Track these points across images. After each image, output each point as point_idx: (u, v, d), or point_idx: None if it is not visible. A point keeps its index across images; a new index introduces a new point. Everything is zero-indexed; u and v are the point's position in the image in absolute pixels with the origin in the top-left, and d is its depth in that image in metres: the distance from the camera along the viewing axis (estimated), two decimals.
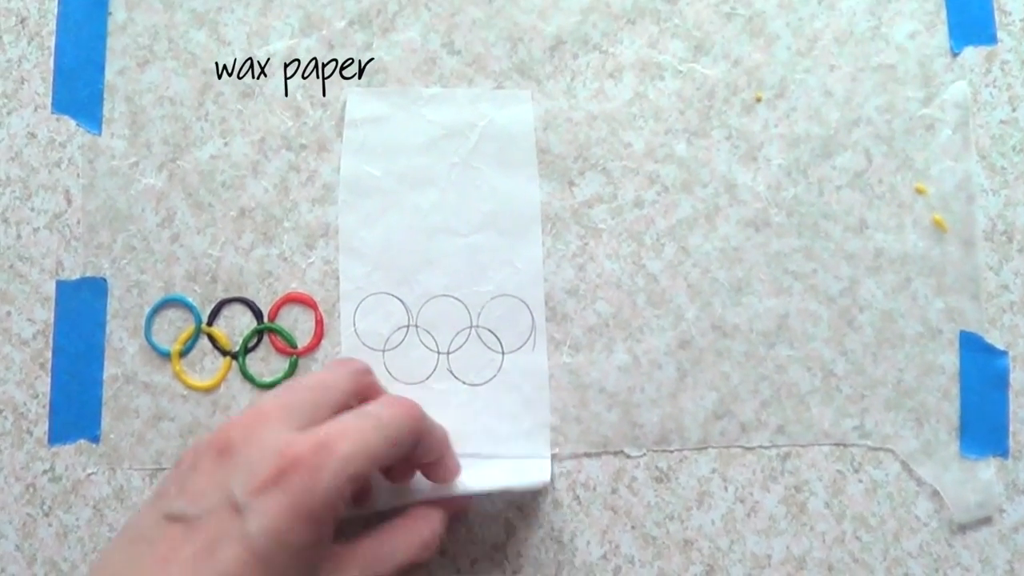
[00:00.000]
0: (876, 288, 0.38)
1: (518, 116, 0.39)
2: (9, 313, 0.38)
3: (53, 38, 0.40)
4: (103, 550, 0.36)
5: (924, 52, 0.39)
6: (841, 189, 0.38)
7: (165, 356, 0.38)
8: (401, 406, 0.31)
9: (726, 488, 0.37)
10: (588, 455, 0.37)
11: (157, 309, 0.38)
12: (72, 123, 0.39)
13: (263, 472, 0.27)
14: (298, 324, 0.38)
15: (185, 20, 0.40)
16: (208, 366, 0.38)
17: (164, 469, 0.38)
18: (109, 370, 0.38)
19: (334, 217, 0.39)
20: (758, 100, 0.39)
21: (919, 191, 0.38)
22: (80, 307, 0.38)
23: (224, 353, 0.38)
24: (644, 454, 0.37)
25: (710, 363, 0.38)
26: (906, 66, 0.39)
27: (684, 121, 0.39)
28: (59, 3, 0.40)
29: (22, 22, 0.40)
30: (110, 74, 0.40)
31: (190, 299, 0.38)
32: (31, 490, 0.38)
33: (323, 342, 0.38)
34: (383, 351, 0.38)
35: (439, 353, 0.38)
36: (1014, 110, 0.39)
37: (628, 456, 0.37)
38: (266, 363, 0.38)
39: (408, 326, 0.38)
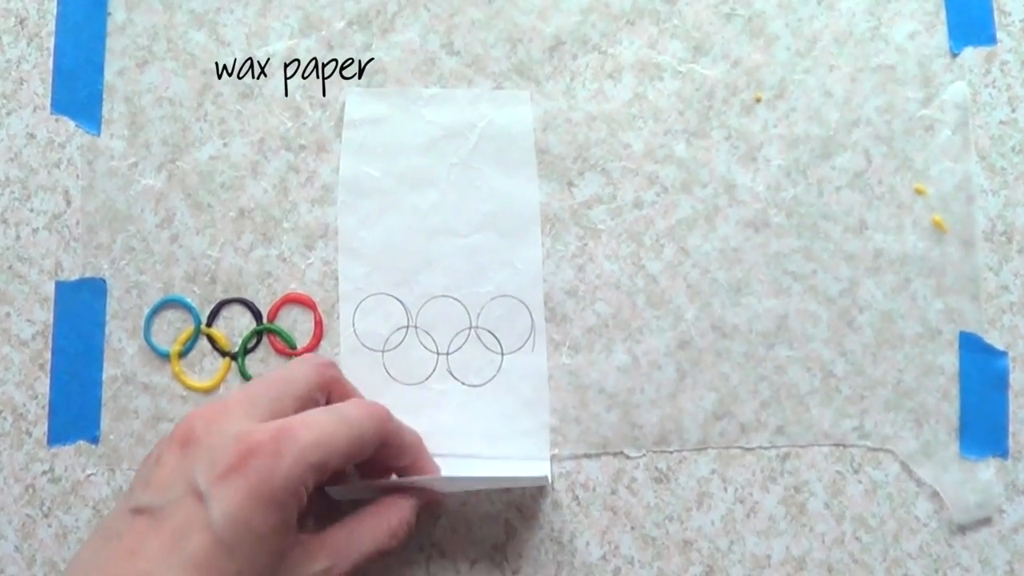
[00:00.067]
0: (876, 289, 0.38)
1: (517, 117, 0.39)
2: (8, 314, 0.38)
3: (52, 39, 0.40)
4: (77, 551, 0.37)
5: (923, 52, 0.39)
6: (841, 190, 0.38)
7: (164, 357, 0.38)
8: (366, 406, 0.32)
9: (726, 489, 0.37)
10: (588, 456, 0.37)
11: (156, 310, 0.38)
12: (71, 124, 0.39)
13: (224, 460, 0.28)
14: (297, 325, 0.38)
15: (184, 21, 0.40)
16: (207, 367, 0.38)
17: None
18: (108, 371, 0.38)
19: (333, 218, 0.39)
20: (757, 101, 0.39)
21: (919, 192, 0.38)
22: (79, 308, 0.38)
23: (223, 354, 0.38)
24: (644, 455, 0.37)
25: (709, 364, 0.38)
26: (905, 67, 0.39)
27: (683, 122, 0.39)
28: (58, 4, 0.40)
29: (21, 23, 0.40)
30: (109, 75, 0.40)
31: (189, 300, 0.38)
32: (30, 491, 0.38)
33: (322, 343, 0.38)
34: (382, 352, 0.38)
35: (438, 354, 0.38)
36: (1013, 111, 0.39)
37: (628, 457, 0.37)
38: (265, 364, 0.38)
39: (407, 327, 0.38)
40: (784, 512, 0.37)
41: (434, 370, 0.38)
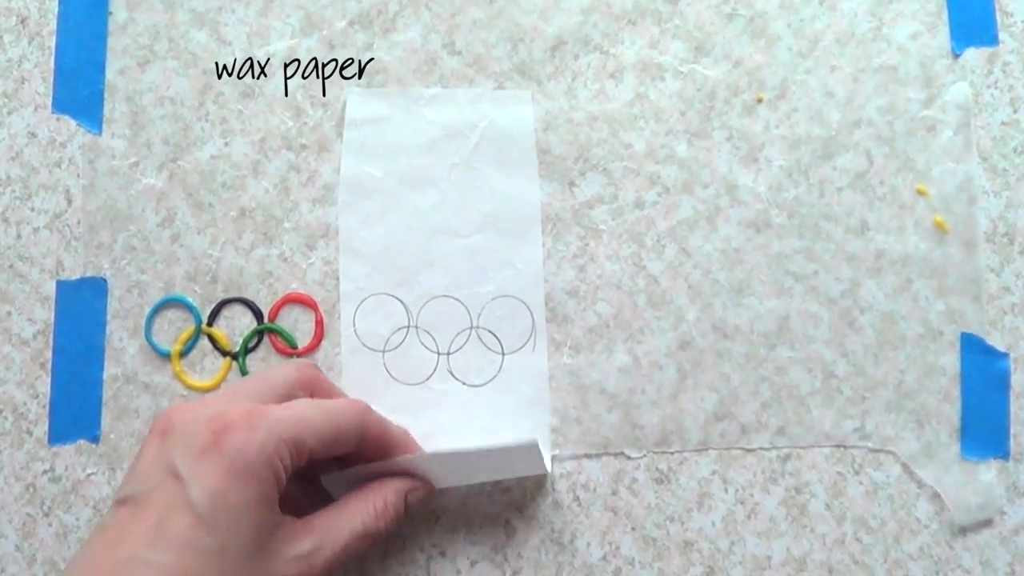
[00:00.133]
0: (877, 289, 0.38)
1: (519, 117, 0.39)
2: (9, 313, 0.38)
3: (54, 38, 0.40)
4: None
5: (925, 53, 0.39)
6: (842, 190, 0.38)
7: (165, 356, 0.38)
8: (345, 399, 0.33)
9: (726, 490, 0.37)
10: (588, 456, 0.37)
11: (157, 309, 0.38)
12: (72, 123, 0.39)
13: (200, 440, 0.28)
14: (298, 325, 0.38)
15: (186, 20, 0.40)
16: (208, 366, 0.38)
17: None
18: (109, 370, 0.38)
19: (334, 217, 0.39)
20: (759, 101, 0.39)
21: (920, 192, 0.38)
22: (80, 307, 0.38)
23: (224, 354, 0.38)
24: (644, 455, 0.37)
25: (710, 364, 0.38)
26: (907, 67, 0.39)
27: (685, 122, 0.39)
28: (60, 3, 0.40)
29: (22, 22, 0.40)
30: (110, 74, 0.40)
31: (190, 299, 0.38)
32: (31, 490, 0.38)
33: (323, 343, 0.38)
34: (383, 352, 0.38)
35: (439, 354, 0.38)
36: (1015, 111, 0.39)
37: (628, 457, 0.37)
38: (266, 364, 0.38)
39: (408, 327, 0.38)
40: (785, 513, 0.37)
41: (435, 370, 0.38)
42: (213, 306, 0.38)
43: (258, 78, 0.39)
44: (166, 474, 0.28)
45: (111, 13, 0.40)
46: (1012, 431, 0.37)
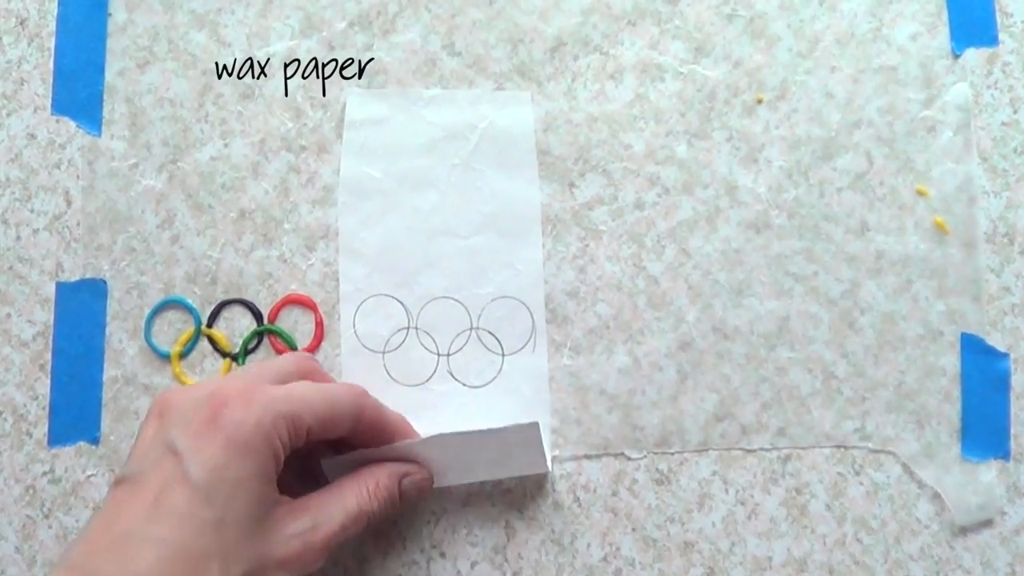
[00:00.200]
0: (877, 290, 0.38)
1: (518, 117, 0.39)
2: (9, 315, 0.38)
3: (53, 39, 0.40)
4: None
5: (925, 54, 0.39)
6: (842, 191, 0.38)
7: (165, 358, 0.38)
8: (343, 383, 0.33)
9: (727, 490, 0.37)
10: (588, 457, 0.37)
11: (157, 311, 0.38)
12: (72, 124, 0.39)
13: (198, 417, 0.28)
14: (298, 326, 0.38)
15: (185, 21, 0.40)
16: (208, 368, 0.38)
17: None
18: (109, 372, 0.38)
19: (334, 219, 0.39)
20: (759, 102, 0.39)
21: (920, 193, 0.38)
22: (80, 309, 0.38)
23: (224, 355, 0.38)
24: (644, 456, 0.37)
25: (711, 365, 0.38)
26: (907, 68, 0.39)
27: (685, 123, 0.39)
28: (59, 4, 0.40)
29: (22, 23, 0.40)
30: (110, 75, 0.40)
31: (190, 301, 0.38)
32: (31, 492, 0.37)
33: (323, 344, 0.38)
34: (383, 353, 0.38)
35: (439, 355, 0.38)
36: (1015, 112, 0.39)
37: (628, 458, 0.37)
38: None
39: (408, 328, 0.38)
40: (785, 514, 0.37)
41: (435, 371, 0.38)
42: (213, 307, 0.38)
43: (258, 79, 0.39)
44: (164, 451, 0.28)
45: (110, 14, 0.40)
46: (1012, 431, 0.37)
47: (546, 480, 0.37)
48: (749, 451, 0.37)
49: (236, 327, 0.38)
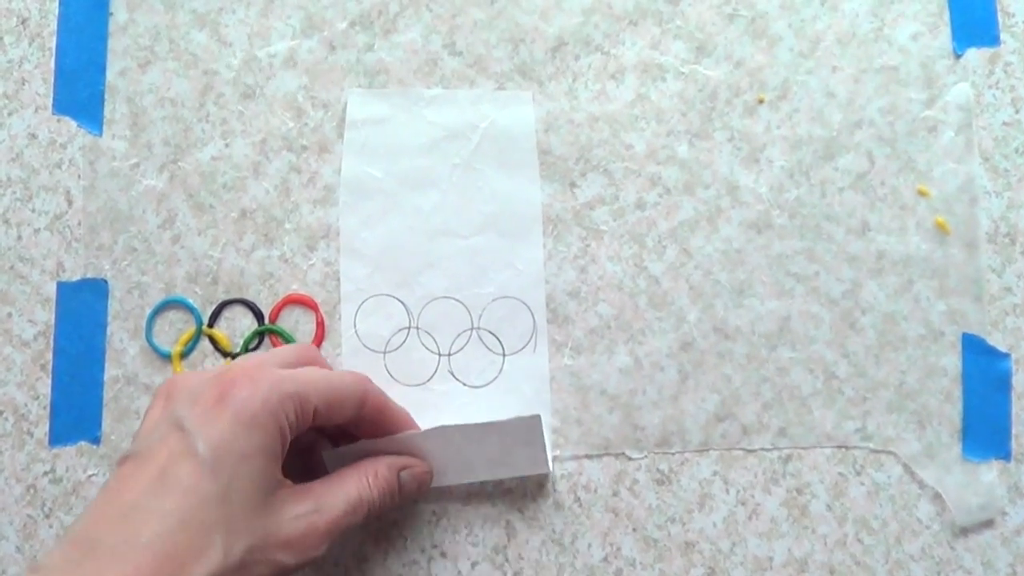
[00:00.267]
0: (878, 290, 0.38)
1: (519, 117, 0.39)
2: (10, 314, 0.38)
3: (54, 39, 0.40)
4: None
5: (927, 54, 0.39)
6: (843, 191, 0.38)
7: (166, 358, 0.38)
8: (347, 371, 0.33)
9: (727, 490, 0.37)
10: (589, 457, 0.37)
11: (158, 310, 0.38)
12: (73, 124, 0.39)
13: (206, 396, 0.29)
14: (299, 326, 0.38)
15: (186, 21, 0.40)
16: (209, 368, 0.38)
17: None
18: (110, 371, 0.38)
19: (335, 218, 0.39)
20: (760, 102, 0.39)
21: (921, 193, 0.38)
22: (81, 308, 0.38)
23: (225, 355, 0.38)
24: (645, 456, 0.37)
25: (712, 365, 0.38)
26: (909, 68, 0.39)
27: (686, 123, 0.39)
28: (60, 4, 0.40)
29: (23, 23, 0.40)
30: (111, 75, 0.40)
31: (191, 300, 0.38)
32: (32, 491, 0.37)
33: (324, 344, 0.38)
34: (384, 353, 0.38)
35: (440, 355, 0.38)
36: (1017, 112, 0.39)
37: (629, 458, 0.37)
38: None
39: (409, 328, 0.38)
40: (786, 514, 0.37)
41: (435, 371, 0.38)
42: (214, 307, 0.38)
43: (259, 79, 0.39)
44: (171, 428, 0.28)
45: (112, 14, 0.40)
46: (1013, 431, 0.37)
47: (547, 480, 0.37)
48: (750, 451, 0.37)
49: (237, 327, 0.38)
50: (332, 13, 0.40)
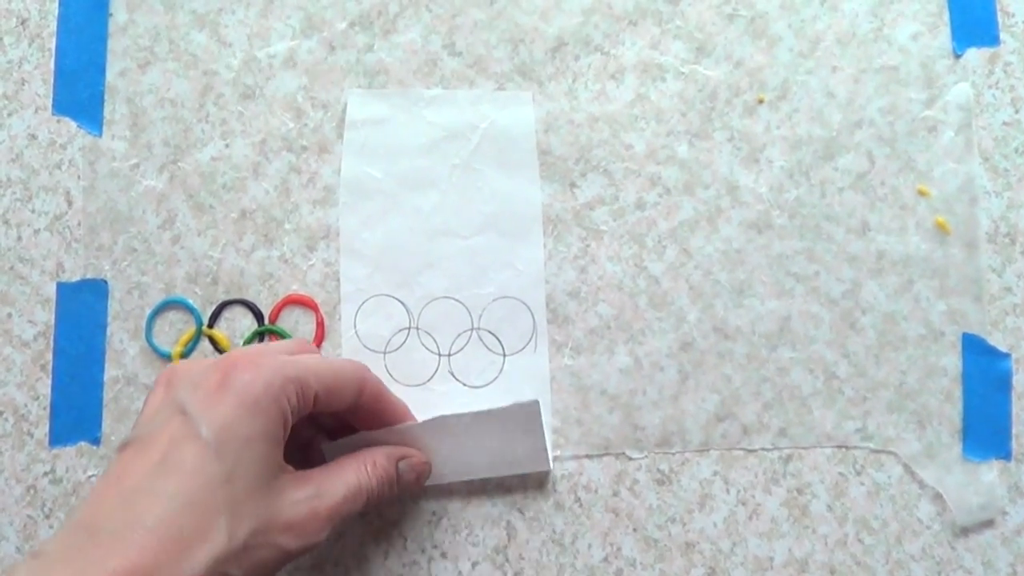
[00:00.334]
0: (878, 290, 0.38)
1: (519, 118, 0.39)
2: (10, 315, 0.38)
3: (54, 39, 0.40)
4: None
5: (927, 54, 0.39)
6: (843, 191, 0.38)
7: (166, 358, 0.38)
8: (346, 358, 0.33)
9: (728, 490, 0.37)
10: (589, 457, 0.37)
11: (158, 311, 0.38)
12: (73, 124, 0.39)
13: (208, 381, 0.29)
14: (299, 326, 0.38)
15: (186, 21, 0.40)
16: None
17: None
18: (110, 372, 0.38)
19: (335, 219, 0.39)
20: (760, 102, 0.39)
21: (921, 193, 0.38)
22: (81, 309, 0.38)
23: None
24: (645, 456, 0.37)
25: (712, 365, 0.38)
26: (908, 68, 0.39)
27: (686, 123, 0.39)
28: (60, 4, 0.40)
29: (23, 23, 0.40)
30: (111, 75, 0.40)
31: (191, 301, 0.38)
32: (32, 492, 0.37)
33: (324, 344, 0.38)
34: (384, 353, 0.38)
35: (440, 355, 0.38)
36: (1017, 112, 0.39)
37: (630, 458, 0.37)
38: None
39: (409, 328, 0.38)
40: (786, 514, 0.37)
41: (436, 372, 0.38)
42: (214, 308, 0.38)
43: (258, 79, 0.39)
44: (173, 412, 0.28)
45: (111, 15, 0.40)
46: (1014, 431, 0.37)
47: (547, 480, 0.37)
48: (750, 451, 0.37)
49: (237, 327, 0.38)
50: (332, 13, 0.40)
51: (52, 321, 0.38)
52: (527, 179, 0.39)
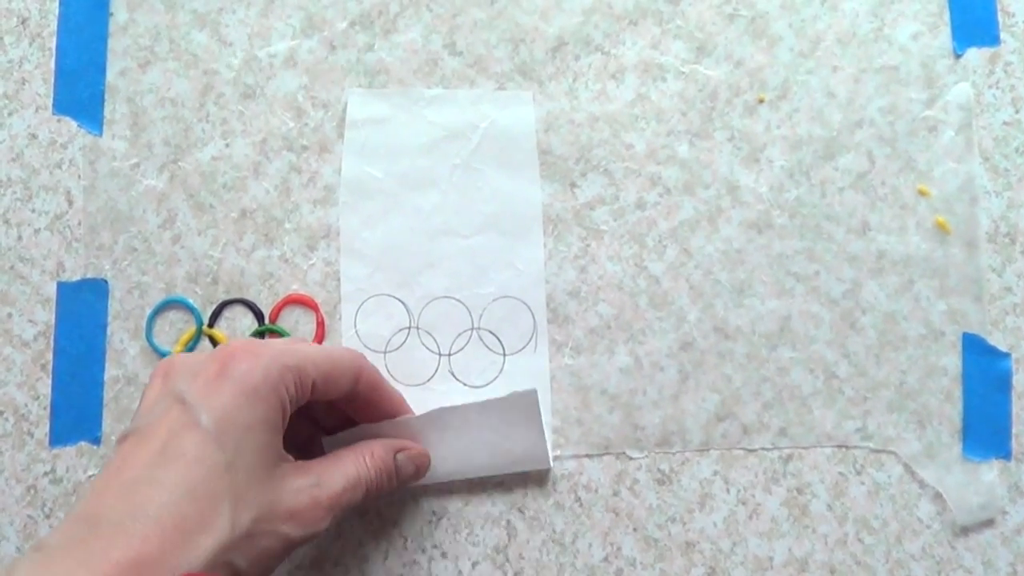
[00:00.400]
0: (878, 290, 0.38)
1: (520, 117, 0.39)
2: (10, 315, 0.38)
3: (54, 39, 0.40)
4: None
5: (927, 53, 0.39)
6: (844, 191, 0.38)
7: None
8: (343, 347, 0.33)
9: (728, 490, 0.37)
10: (590, 457, 0.37)
11: (158, 310, 0.38)
12: (73, 124, 0.39)
13: (206, 371, 0.29)
14: (299, 326, 0.38)
15: (186, 21, 0.40)
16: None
17: None
18: (110, 371, 0.38)
19: (335, 218, 0.39)
20: (760, 101, 0.39)
21: (922, 193, 0.38)
22: (81, 308, 0.38)
23: None
24: (646, 456, 0.37)
25: (712, 365, 0.38)
26: (909, 67, 0.39)
27: (686, 122, 0.39)
28: (60, 4, 0.40)
29: (23, 23, 0.40)
30: (111, 75, 0.40)
31: (191, 300, 0.38)
32: (32, 492, 0.37)
33: (324, 344, 0.38)
34: (384, 353, 0.38)
35: (440, 355, 0.38)
36: (1017, 111, 0.39)
37: (630, 458, 0.37)
38: None
39: (409, 328, 0.38)
40: (787, 514, 0.37)
41: (436, 371, 0.38)
42: (214, 307, 0.38)
43: (259, 79, 0.39)
44: (172, 403, 0.28)
45: (112, 14, 0.40)
46: (1014, 431, 0.37)
47: (547, 480, 0.37)
48: (750, 451, 0.37)
49: (237, 327, 0.38)
50: (332, 13, 0.40)
51: (52, 321, 0.38)
52: (527, 179, 0.39)
